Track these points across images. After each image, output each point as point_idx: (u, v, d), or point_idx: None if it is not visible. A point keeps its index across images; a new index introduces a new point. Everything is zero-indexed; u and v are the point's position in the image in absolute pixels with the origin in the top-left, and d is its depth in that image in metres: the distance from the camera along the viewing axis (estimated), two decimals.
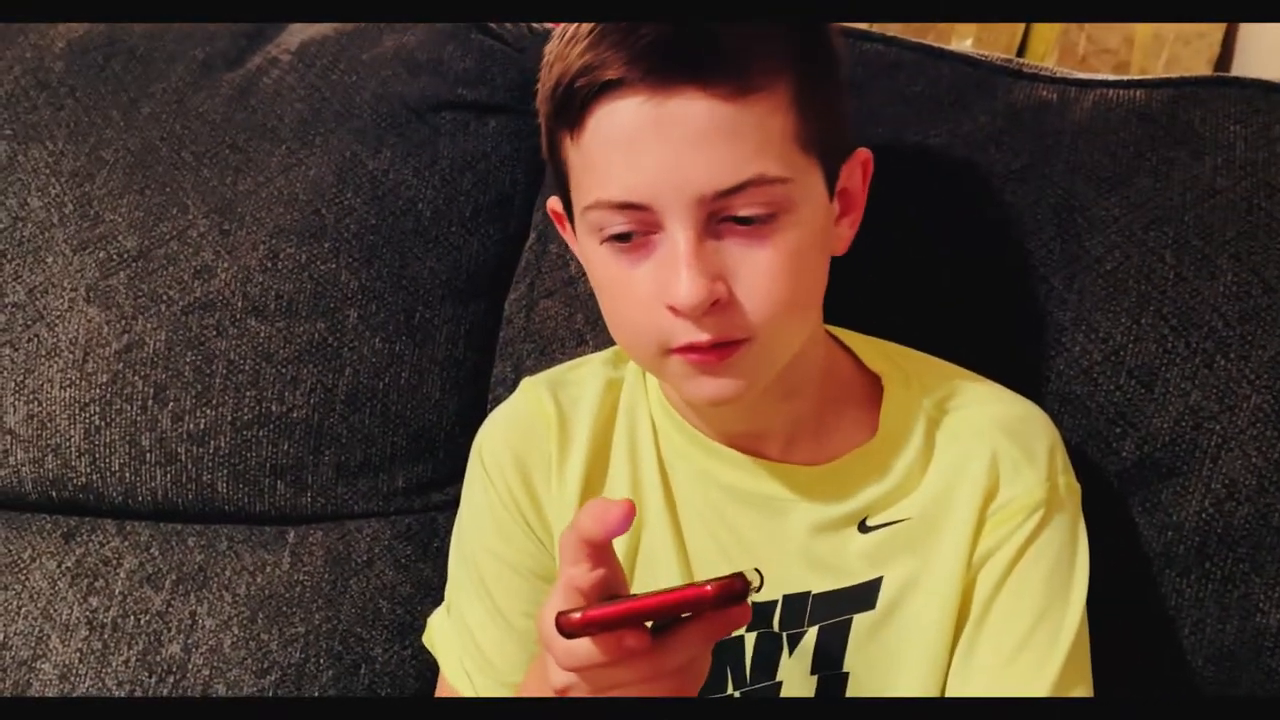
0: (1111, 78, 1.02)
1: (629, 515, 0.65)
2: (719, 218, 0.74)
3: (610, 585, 0.67)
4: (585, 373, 0.92)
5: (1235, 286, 0.92)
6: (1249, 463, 0.91)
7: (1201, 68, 1.84)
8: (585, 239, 0.79)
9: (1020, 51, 1.81)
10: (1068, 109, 0.99)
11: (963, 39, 1.74)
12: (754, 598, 0.65)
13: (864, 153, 0.83)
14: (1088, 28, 1.79)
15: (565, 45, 0.75)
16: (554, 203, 0.86)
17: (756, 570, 0.63)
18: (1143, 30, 1.81)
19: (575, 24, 0.76)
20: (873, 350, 0.89)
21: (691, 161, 0.72)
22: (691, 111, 0.72)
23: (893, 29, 1.63)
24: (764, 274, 0.74)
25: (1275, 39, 1.75)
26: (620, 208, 0.74)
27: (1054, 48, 1.76)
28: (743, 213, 0.74)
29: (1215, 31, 1.83)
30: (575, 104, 0.74)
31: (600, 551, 0.67)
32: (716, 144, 0.72)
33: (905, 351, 0.90)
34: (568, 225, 0.84)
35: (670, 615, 0.63)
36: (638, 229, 0.75)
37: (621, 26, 0.73)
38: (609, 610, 0.62)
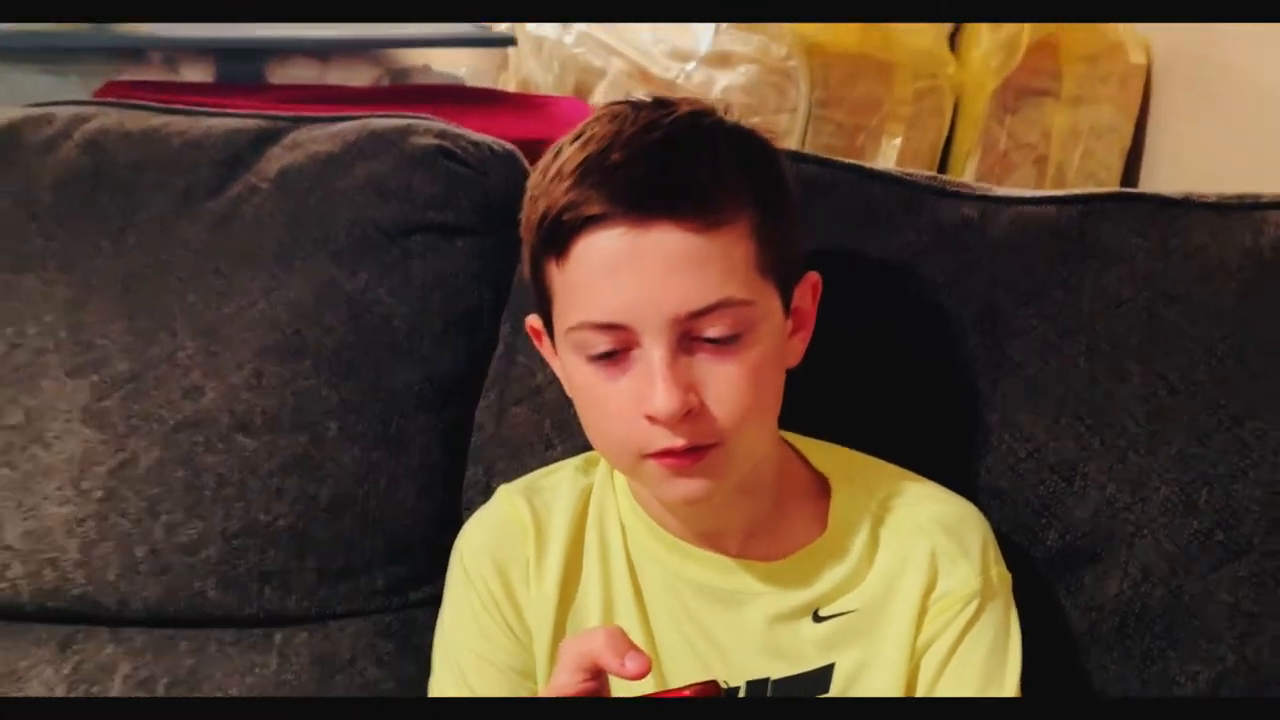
0: (1026, 194, 1.12)
1: (646, 672, 0.72)
2: (690, 335, 0.83)
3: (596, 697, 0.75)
4: (558, 479, 1.00)
5: (1143, 388, 1.02)
6: (1160, 548, 1.00)
7: (1114, 160, 1.97)
8: (567, 355, 0.88)
9: (946, 147, 1.94)
10: (988, 225, 1.09)
11: (892, 138, 1.86)
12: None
13: (814, 276, 0.93)
14: (1007, 125, 1.92)
15: (549, 183, 0.85)
16: (533, 320, 0.94)
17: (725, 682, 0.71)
18: (1059, 126, 1.94)
19: (555, 162, 0.86)
20: (820, 453, 0.98)
21: (666, 285, 0.81)
22: (666, 241, 0.81)
23: (828, 126, 1.74)
24: (730, 385, 0.84)
25: (1181, 131, 1.88)
26: (602, 328, 0.83)
27: (977, 145, 1.88)
28: (710, 332, 0.83)
29: (1126, 125, 1.96)
30: (561, 235, 0.84)
31: (600, 672, 0.75)
32: (688, 270, 0.82)
33: (849, 453, 0.99)
34: (546, 340, 0.93)
35: None
36: (618, 346, 0.84)
37: (602, 167, 0.82)
38: None
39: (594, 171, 0.83)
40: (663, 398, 0.82)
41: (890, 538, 0.94)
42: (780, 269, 0.87)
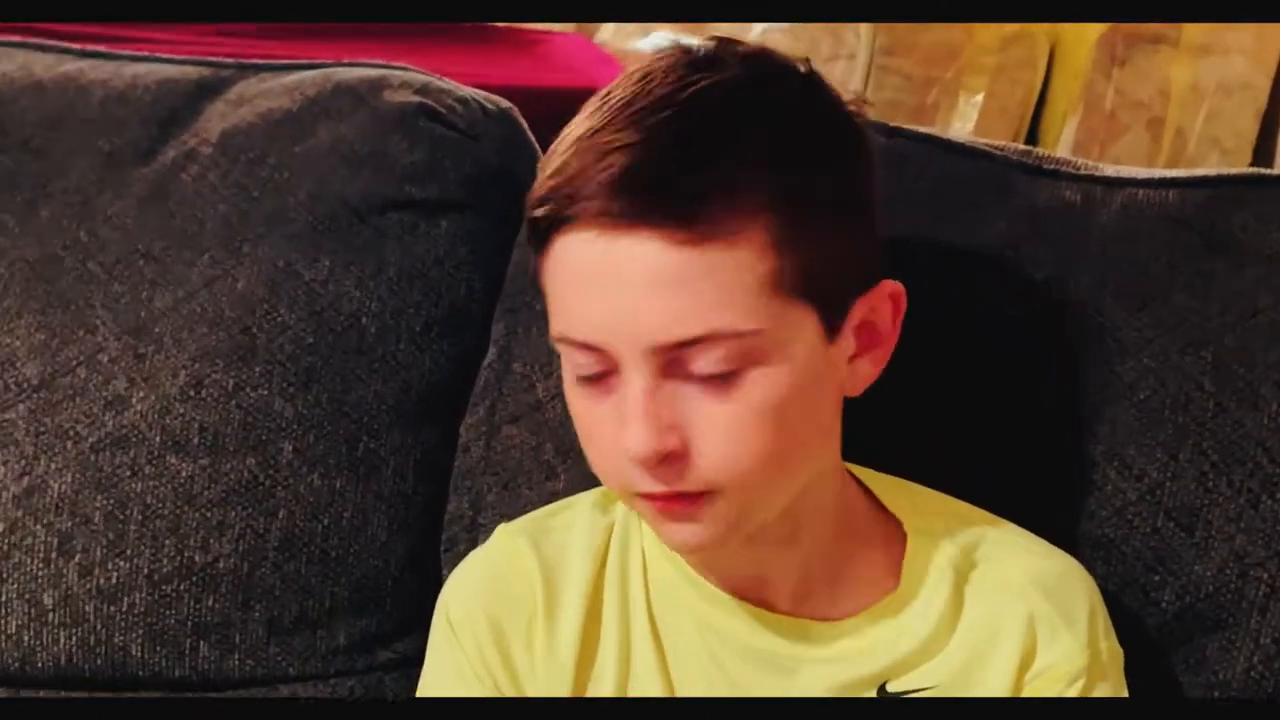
0: (1141, 175, 1.14)
1: None
2: (679, 363, 0.84)
3: None
4: (571, 518, 1.01)
5: None
6: None
7: (1247, 123, 1.98)
8: (564, 365, 0.90)
9: (1039, 106, 1.95)
10: (1094, 212, 1.10)
11: (973, 94, 1.87)
12: None
13: (891, 286, 0.92)
14: (1114, 79, 1.93)
15: (547, 158, 0.87)
16: None
17: None
18: (1179, 81, 1.95)
19: (567, 129, 0.87)
20: (894, 491, 0.99)
21: (641, 308, 0.83)
22: (642, 255, 0.82)
23: (894, 81, 1.75)
24: (725, 430, 0.85)
25: None
26: (580, 346, 0.86)
27: (1078, 103, 1.89)
28: (699, 367, 0.84)
29: (1262, 80, 1.97)
30: (538, 231, 0.87)
31: None
32: (668, 292, 0.82)
33: (928, 493, 1.00)
34: None
35: None
36: (602, 366, 0.86)
37: (591, 149, 0.83)
38: None
39: (579, 155, 0.84)
40: (633, 439, 0.84)
41: (978, 598, 0.95)
42: (821, 283, 0.87)
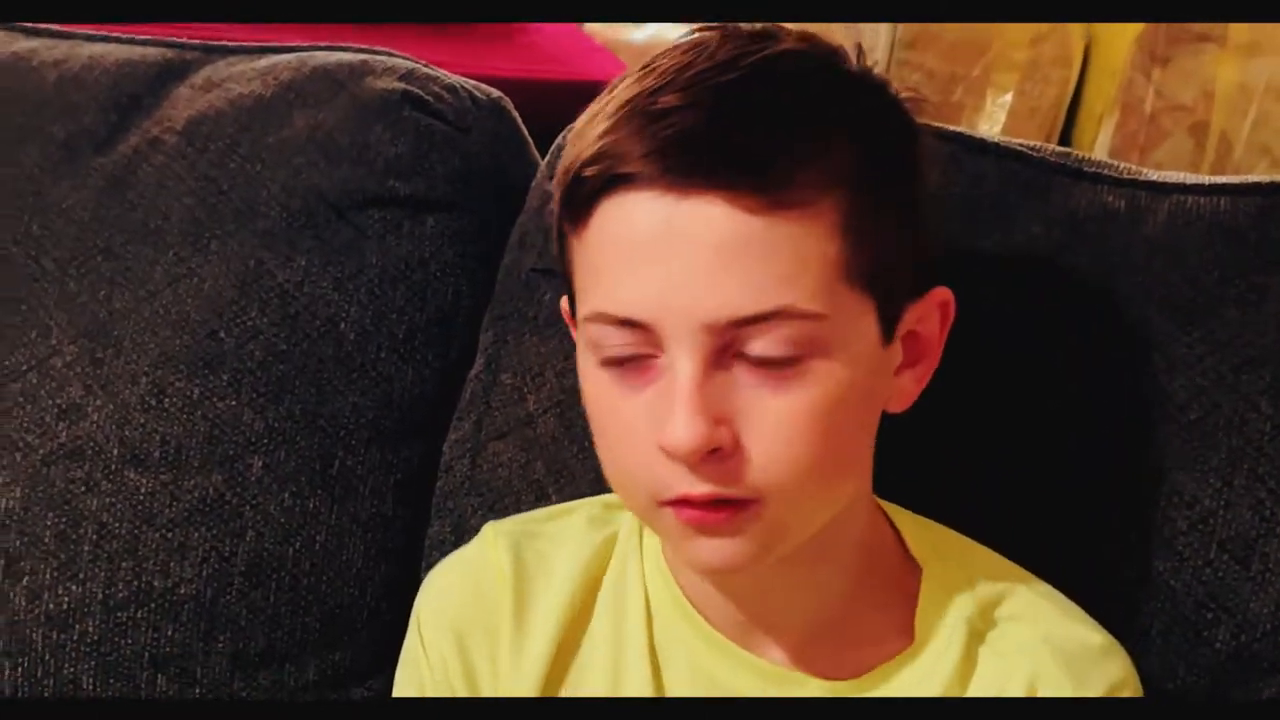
0: (1190, 180, 1.14)
1: None
2: (734, 350, 0.83)
3: None
4: (566, 525, 1.01)
5: None
6: None
7: None
8: (583, 354, 0.89)
9: (1073, 108, 1.95)
10: (1139, 220, 1.10)
11: (1001, 93, 1.88)
12: None
13: (943, 293, 0.93)
14: (1155, 80, 1.94)
15: (587, 123, 0.86)
16: (565, 303, 0.94)
17: None
18: (1225, 83, 1.96)
19: (604, 99, 0.87)
20: (921, 534, 0.98)
21: (703, 280, 0.82)
22: (710, 220, 0.81)
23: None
24: (781, 427, 0.83)
25: None
26: (621, 324, 0.84)
27: (1114, 105, 1.90)
28: (759, 350, 0.82)
29: None
30: (582, 195, 0.85)
31: None
32: (736, 263, 0.81)
33: (956, 538, 0.98)
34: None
35: None
36: (640, 349, 0.84)
37: (649, 110, 0.83)
38: None
39: (636, 116, 0.83)
40: (680, 427, 0.82)
41: (990, 660, 0.93)
42: (884, 278, 0.87)
